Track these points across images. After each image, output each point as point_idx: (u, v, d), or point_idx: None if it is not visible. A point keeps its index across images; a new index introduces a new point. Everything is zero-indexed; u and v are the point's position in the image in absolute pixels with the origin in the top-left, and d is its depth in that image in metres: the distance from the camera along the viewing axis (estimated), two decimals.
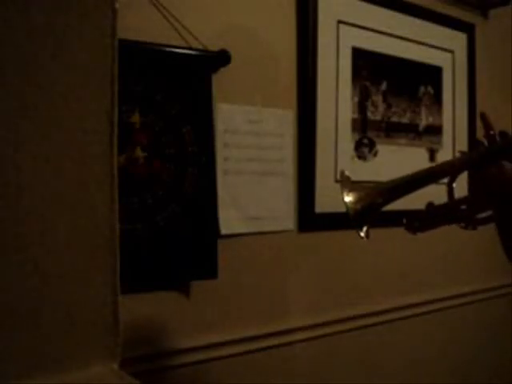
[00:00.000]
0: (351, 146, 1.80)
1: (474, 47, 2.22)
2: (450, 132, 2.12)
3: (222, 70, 1.45)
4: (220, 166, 1.45)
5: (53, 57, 0.66)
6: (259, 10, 1.57)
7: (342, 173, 1.01)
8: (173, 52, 1.35)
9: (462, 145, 2.12)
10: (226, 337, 1.48)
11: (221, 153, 1.46)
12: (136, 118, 1.29)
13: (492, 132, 0.99)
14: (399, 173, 1.00)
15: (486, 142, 0.99)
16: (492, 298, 2.27)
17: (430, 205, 1.05)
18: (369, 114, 1.85)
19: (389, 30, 1.89)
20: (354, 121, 1.80)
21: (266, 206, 1.57)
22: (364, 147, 1.83)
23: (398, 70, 1.94)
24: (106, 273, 0.70)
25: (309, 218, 1.66)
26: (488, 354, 2.28)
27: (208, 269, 1.40)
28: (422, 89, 2.03)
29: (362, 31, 1.82)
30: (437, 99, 2.08)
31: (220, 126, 1.46)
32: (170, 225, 1.34)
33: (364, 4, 1.82)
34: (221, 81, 1.45)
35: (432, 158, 2.03)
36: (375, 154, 1.86)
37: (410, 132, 1.98)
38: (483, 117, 1.01)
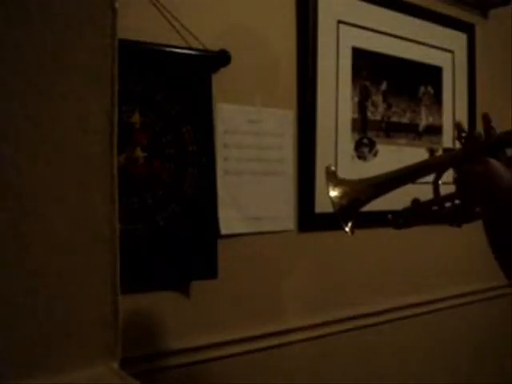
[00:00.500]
0: (351, 145, 1.80)
1: (474, 47, 2.22)
2: (450, 132, 2.12)
3: (222, 70, 1.45)
4: (220, 166, 1.45)
5: (53, 57, 0.66)
6: (259, 10, 1.57)
7: (328, 168, 1.02)
8: (173, 52, 1.35)
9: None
10: (225, 337, 1.48)
11: (221, 153, 1.46)
12: (136, 118, 1.29)
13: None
14: None
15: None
16: (492, 298, 2.27)
17: (415, 201, 1.05)
18: (369, 114, 1.85)
19: (389, 30, 1.89)
20: (353, 121, 1.80)
21: (266, 206, 1.57)
22: (364, 147, 1.83)
23: (398, 69, 1.94)
24: (106, 273, 0.70)
25: (309, 218, 1.66)
26: (488, 354, 2.28)
27: (208, 269, 1.41)
28: (422, 89, 2.03)
29: (362, 31, 1.82)
30: (437, 99, 2.08)
31: (220, 126, 1.46)
32: (170, 225, 1.34)
33: (364, 4, 1.82)
34: (221, 81, 1.45)
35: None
36: (375, 154, 1.86)
37: (410, 132, 1.98)
38: (485, 118, 1.01)
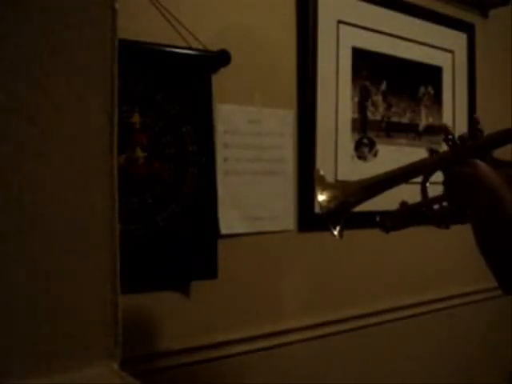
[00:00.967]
0: (351, 145, 1.80)
1: (474, 47, 2.22)
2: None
3: (222, 70, 1.45)
4: (220, 166, 1.45)
5: (53, 57, 0.66)
6: (259, 10, 1.57)
7: (317, 172, 1.02)
8: (173, 52, 1.35)
9: None
10: (225, 337, 1.48)
11: (221, 153, 1.46)
12: (136, 118, 1.29)
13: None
14: None
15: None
16: (492, 298, 2.27)
17: (403, 204, 1.06)
18: (369, 114, 1.85)
19: (389, 30, 1.89)
20: (353, 121, 1.80)
21: (266, 206, 1.57)
22: (364, 147, 1.83)
23: (398, 70, 1.94)
24: (106, 273, 0.70)
25: (309, 218, 1.66)
26: (488, 354, 2.28)
27: (208, 269, 1.41)
28: (422, 89, 2.03)
29: (362, 31, 1.82)
30: (437, 99, 2.08)
31: (220, 126, 1.46)
32: (170, 225, 1.34)
33: (364, 4, 1.82)
34: (221, 81, 1.45)
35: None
36: (375, 154, 1.86)
37: (410, 132, 1.98)
38: (475, 121, 1.02)
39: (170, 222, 1.34)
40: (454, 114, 2.14)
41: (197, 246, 1.38)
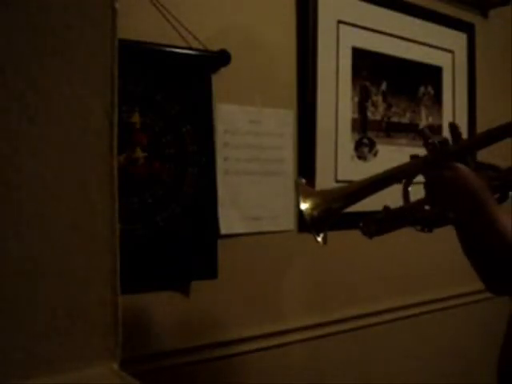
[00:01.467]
0: (351, 145, 1.80)
1: (473, 47, 2.22)
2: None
3: (222, 70, 1.45)
4: (220, 165, 1.45)
5: (53, 56, 0.66)
6: (259, 10, 1.57)
7: (297, 180, 1.03)
8: (173, 52, 1.35)
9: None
10: (225, 337, 1.48)
11: (221, 153, 1.46)
12: (136, 118, 1.29)
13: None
14: None
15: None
16: (492, 298, 2.27)
17: (386, 208, 1.07)
18: (369, 114, 1.85)
19: (389, 30, 1.89)
20: (353, 121, 1.80)
21: (266, 206, 1.57)
22: (364, 147, 1.83)
23: (398, 69, 1.94)
24: (106, 273, 0.70)
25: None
26: (488, 354, 2.27)
27: (208, 269, 1.40)
28: (422, 89, 2.03)
29: (362, 31, 1.82)
30: (437, 99, 2.08)
31: (220, 126, 1.46)
32: (170, 225, 1.34)
33: (364, 4, 1.82)
34: (221, 81, 1.45)
35: None
36: (375, 154, 1.86)
37: (410, 132, 1.98)
38: (453, 126, 1.04)
39: (170, 222, 1.34)
40: (454, 114, 2.14)
41: (197, 246, 1.38)
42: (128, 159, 1.28)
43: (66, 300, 0.67)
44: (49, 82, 0.66)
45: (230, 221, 1.48)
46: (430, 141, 0.99)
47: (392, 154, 1.90)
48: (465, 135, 2.26)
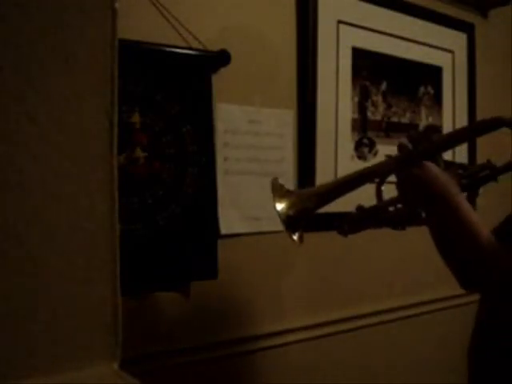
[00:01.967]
0: (351, 145, 1.80)
1: (473, 47, 2.22)
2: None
3: (222, 70, 1.45)
4: (220, 165, 1.45)
5: (53, 57, 0.66)
6: (259, 10, 1.57)
7: (273, 181, 1.05)
8: (173, 52, 1.35)
9: (462, 144, 2.12)
10: (225, 337, 1.48)
11: (221, 153, 1.46)
12: (136, 118, 1.29)
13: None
14: None
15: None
16: None
17: (359, 207, 1.09)
18: (369, 114, 1.85)
19: (389, 30, 1.89)
20: (353, 121, 1.80)
21: (265, 206, 1.56)
22: (364, 147, 1.83)
23: (398, 69, 1.94)
24: (106, 273, 0.70)
25: (309, 219, 1.66)
26: None
27: (208, 269, 1.40)
28: (422, 89, 2.03)
29: (361, 31, 1.82)
30: (437, 99, 2.08)
31: (220, 126, 1.46)
32: (170, 225, 1.34)
33: (364, 4, 1.82)
34: (221, 81, 1.45)
35: None
36: (375, 154, 1.86)
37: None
38: (428, 129, 1.08)
39: (170, 222, 1.34)
40: (453, 114, 2.14)
41: (197, 246, 1.38)
42: (128, 159, 1.28)
43: (66, 300, 0.67)
44: (49, 82, 0.66)
45: (230, 221, 1.48)
46: (400, 142, 1.02)
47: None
48: None
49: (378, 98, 1.88)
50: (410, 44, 1.97)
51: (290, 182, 1.63)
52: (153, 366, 1.33)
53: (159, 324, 1.37)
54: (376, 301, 1.87)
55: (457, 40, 2.17)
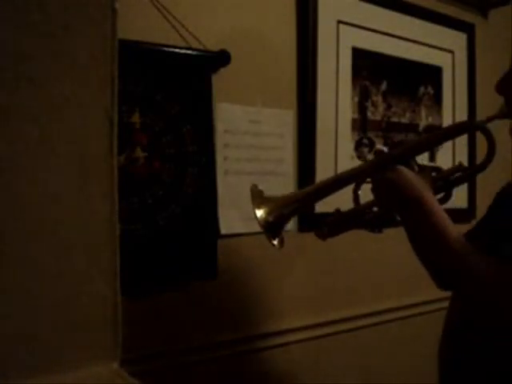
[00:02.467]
0: (351, 145, 1.80)
1: (473, 47, 2.22)
2: None
3: (222, 70, 1.45)
4: (220, 165, 1.45)
5: (53, 57, 0.66)
6: (259, 10, 1.57)
7: (252, 187, 1.07)
8: (173, 52, 1.35)
9: (462, 144, 2.12)
10: (225, 337, 1.48)
11: (221, 153, 1.46)
12: (136, 118, 1.29)
13: None
14: None
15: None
16: None
17: (337, 211, 1.11)
18: (369, 114, 1.85)
19: (389, 30, 1.89)
20: (353, 121, 1.80)
21: None
22: (364, 147, 1.83)
23: (398, 69, 1.94)
24: (106, 273, 0.70)
25: (309, 218, 1.66)
26: None
27: (208, 269, 1.41)
28: (422, 89, 2.03)
29: (361, 31, 1.82)
30: (437, 99, 2.08)
31: (220, 126, 1.46)
32: (170, 225, 1.34)
33: (364, 4, 1.82)
34: (221, 81, 1.45)
35: (432, 158, 2.03)
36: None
37: (410, 132, 1.98)
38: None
39: (170, 222, 1.34)
40: (453, 114, 2.14)
41: (197, 246, 1.38)
42: (128, 159, 1.28)
43: (66, 300, 0.67)
44: (49, 82, 0.66)
45: (229, 221, 1.48)
46: (376, 147, 1.06)
47: None
48: (464, 135, 2.27)
49: (378, 98, 1.88)
50: (410, 44, 1.97)
51: (290, 181, 1.63)
52: (153, 366, 1.33)
53: (159, 324, 1.37)
54: (376, 301, 1.87)
55: (457, 40, 2.17)
